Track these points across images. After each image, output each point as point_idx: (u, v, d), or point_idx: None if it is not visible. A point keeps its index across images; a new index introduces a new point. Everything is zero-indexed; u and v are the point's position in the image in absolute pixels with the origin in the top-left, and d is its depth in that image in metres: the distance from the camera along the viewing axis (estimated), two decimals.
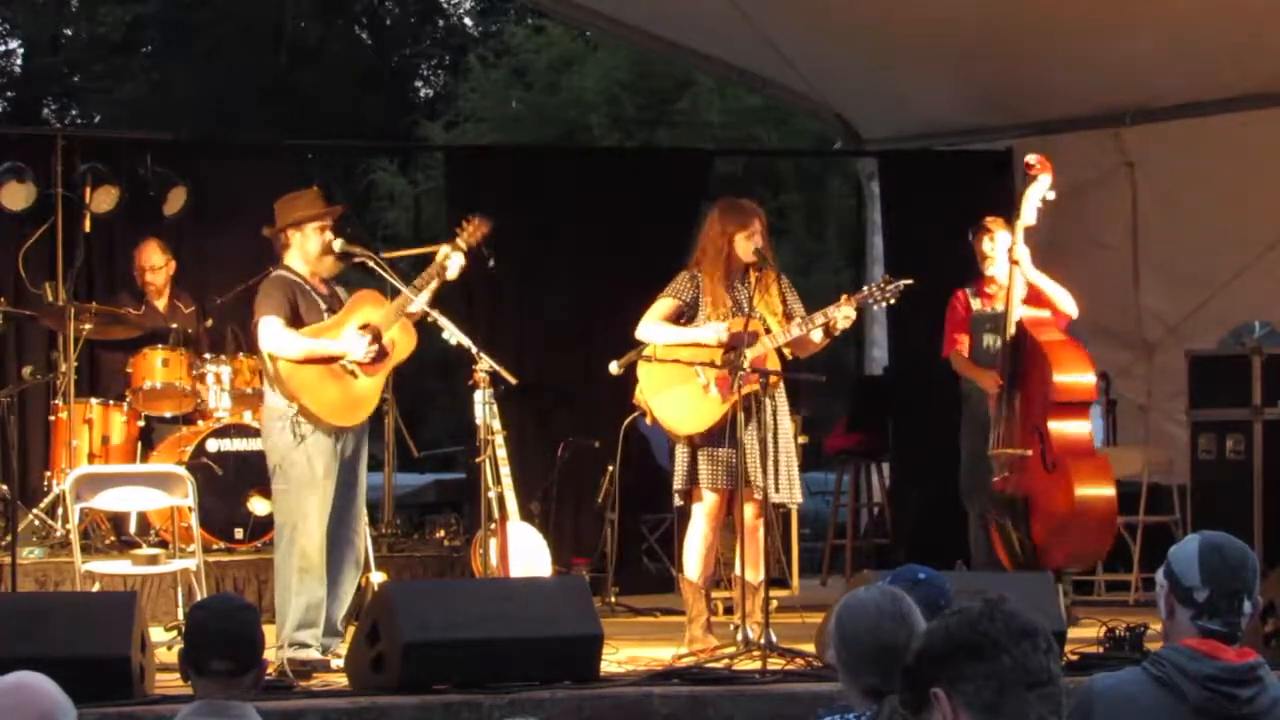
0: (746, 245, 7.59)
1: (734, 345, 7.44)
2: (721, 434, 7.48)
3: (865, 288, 7.71)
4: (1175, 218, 11.01)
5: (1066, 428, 8.24)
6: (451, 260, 7.36)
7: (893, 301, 7.66)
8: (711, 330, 7.52)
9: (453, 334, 7.36)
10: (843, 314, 7.48)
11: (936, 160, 12.13)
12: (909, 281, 7.62)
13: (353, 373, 7.19)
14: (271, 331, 7.14)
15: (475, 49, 23.24)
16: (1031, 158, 8.48)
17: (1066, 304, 8.46)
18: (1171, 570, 3.72)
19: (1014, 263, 8.35)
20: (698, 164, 12.71)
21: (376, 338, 7.22)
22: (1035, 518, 8.18)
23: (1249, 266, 10.67)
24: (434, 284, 7.37)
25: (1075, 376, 8.28)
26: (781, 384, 7.57)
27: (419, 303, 7.31)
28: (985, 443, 8.42)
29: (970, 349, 8.67)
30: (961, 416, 8.79)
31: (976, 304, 8.71)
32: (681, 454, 7.61)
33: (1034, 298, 8.43)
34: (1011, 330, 8.30)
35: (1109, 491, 8.28)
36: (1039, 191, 8.36)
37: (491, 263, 7.65)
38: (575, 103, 20.74)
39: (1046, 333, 8.36)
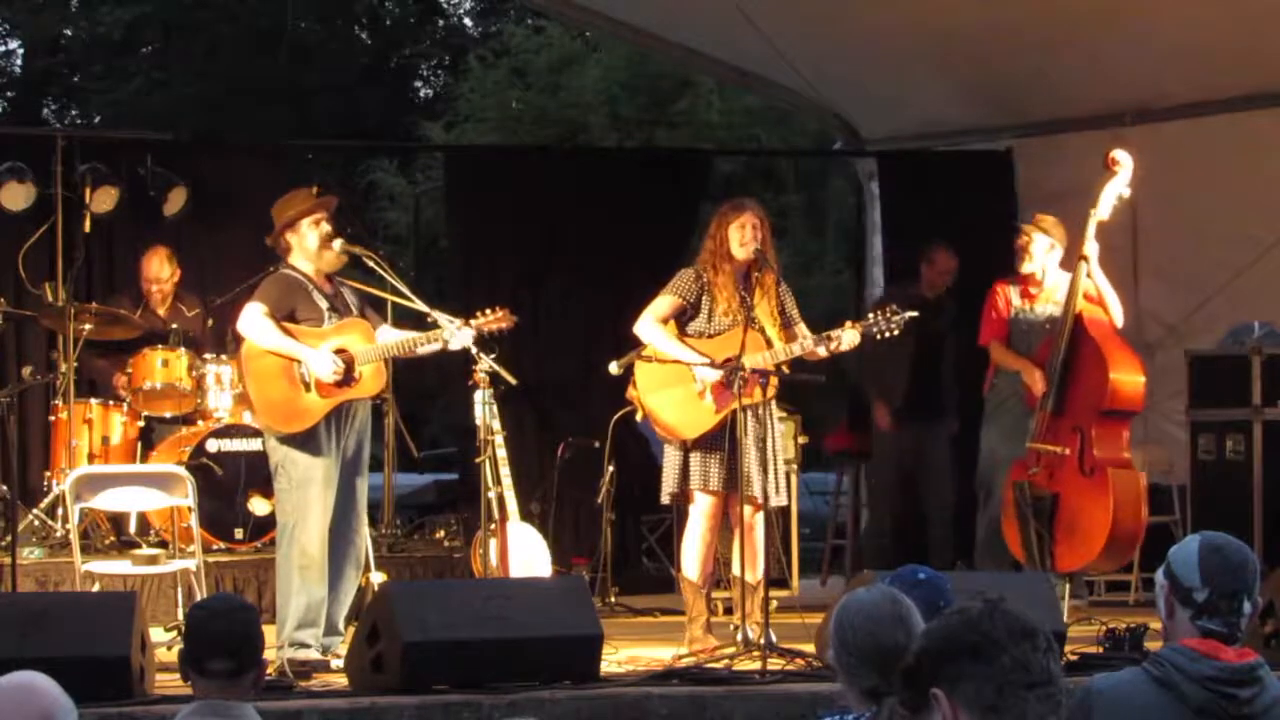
0: (738, 235, 7.56)
1: (728, 373, 7.39)
2: (714, 437, 7.46)
3: (870, 315, 7.66)
4: (1175, 218, 11.00)
5: (1110, 434, 8.18)
6: (459, 336, 7.35)
7: (896, 332, 7.63)
8: (706, 371, 7.47)
9: (452, 334, 7.36)
10: (846, 338, 7.47)
11: (936, 160, 12.12)
12: (914, 314, 7.60)
13: (307, 385, 7.18)
14: (252, 314, 7.21)
15: (475, 49, 23.23)
16: (1118, 153, 8.35)
17: (1116, 313, 8.38)
18: (1171, 570, 3.72)
19: (1083, 258, 8.27)
20: (698, 164, 12.72)
21: (348, 365, 7.21)
22: (1061, 517, 8.15)
23: (1249, 266, 10.66)
24: (428, 349, 7.38)
25: (1130, 384, 8.22)
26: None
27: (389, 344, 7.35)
28: (1007, 440, 8.38)
29: (1009, 338, 8.61)
30: (985, 411, 8.74)
31: (1017, 300, 8.66)
32: (674, 456, 7.59)
33: (1088, 296, 8.36)
34: (1070, 324, 8.23)
35: (1141, 504, 8.25)
36: (1117, 187, 8.27)
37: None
38: (575, 103, 20.74)
39: (1105, 333, 8.27)
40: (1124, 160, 8.32)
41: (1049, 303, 8.49)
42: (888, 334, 7.63)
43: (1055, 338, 8.27)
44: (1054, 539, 8.10)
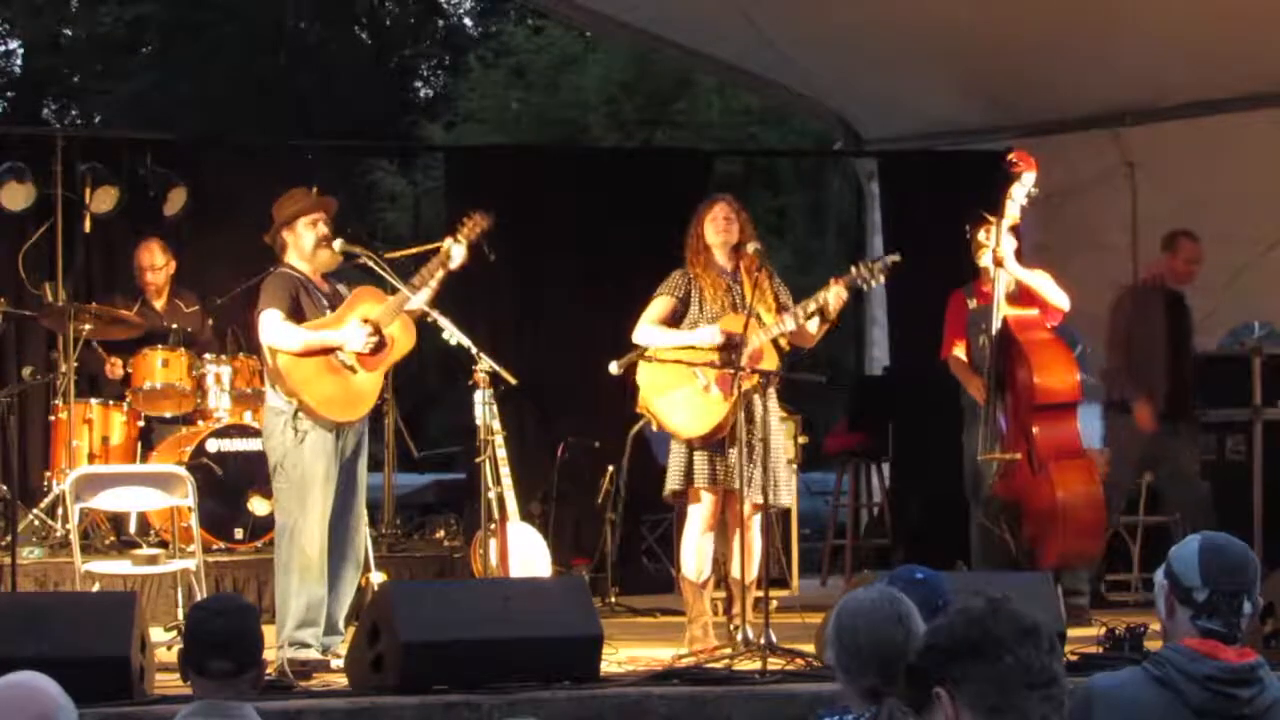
0: (712, 227, 7.63)
1: (730, 344, 7.44)
2: (721, 437, 7.47)
3: (853, 268, 7.67)
4: (1175, 218, 10.99)
5: (1050, 429, 8.21)
6: (454, 252, 7.40)
7: (883, 279, 7.63)
8: (707, 333, 7.50)
9: (452, 334, 7.36)
10: (833, 294, 7.45)
11: (936, 160, 12.12)
12: (896, 258, 7.60)
13: (351, 368, 7.20)
14: (272, 324, 7.17)
15: (475, 49, 23.25)
16: (1014, 155, 8.45)
17: (1056, 297, 8.38)
18: (1172, 570, 3.72)
19: (998, 262, 8.30)
20: (698, 164, 12.71)
21: (376, 330, 7.24)
22: (1026, 520, 8.17)
23: (1249, 266, 10.66)
24: (437, 277, 7.40)
25: (1056, 377, 8.24)
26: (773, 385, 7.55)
27: (419, 299, 7.35)
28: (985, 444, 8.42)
29: (968, 351, 8.66)
30: (964, 419, 8.78)
31: (973, 304, 8.68)
32: (680, 453, 7.59)
33: (1022, 296, 8.38)
34: (995, 330, 8.26)
35: (1093, 492, 8.26)
36: (1023, 189, 8.33)
37: (492, 257, 7.69)
38: (575, 103, 20.75)
39: (1030, 333, 8.29)
40: (1022, 162, 8.36)
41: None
42: (872, 284, 7.64)
43: (989, 348, 8.30)
44: (1029, 544, 8.12)
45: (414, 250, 7.54)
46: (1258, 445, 9.77)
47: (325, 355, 7.19)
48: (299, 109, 22.39)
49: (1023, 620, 2.87)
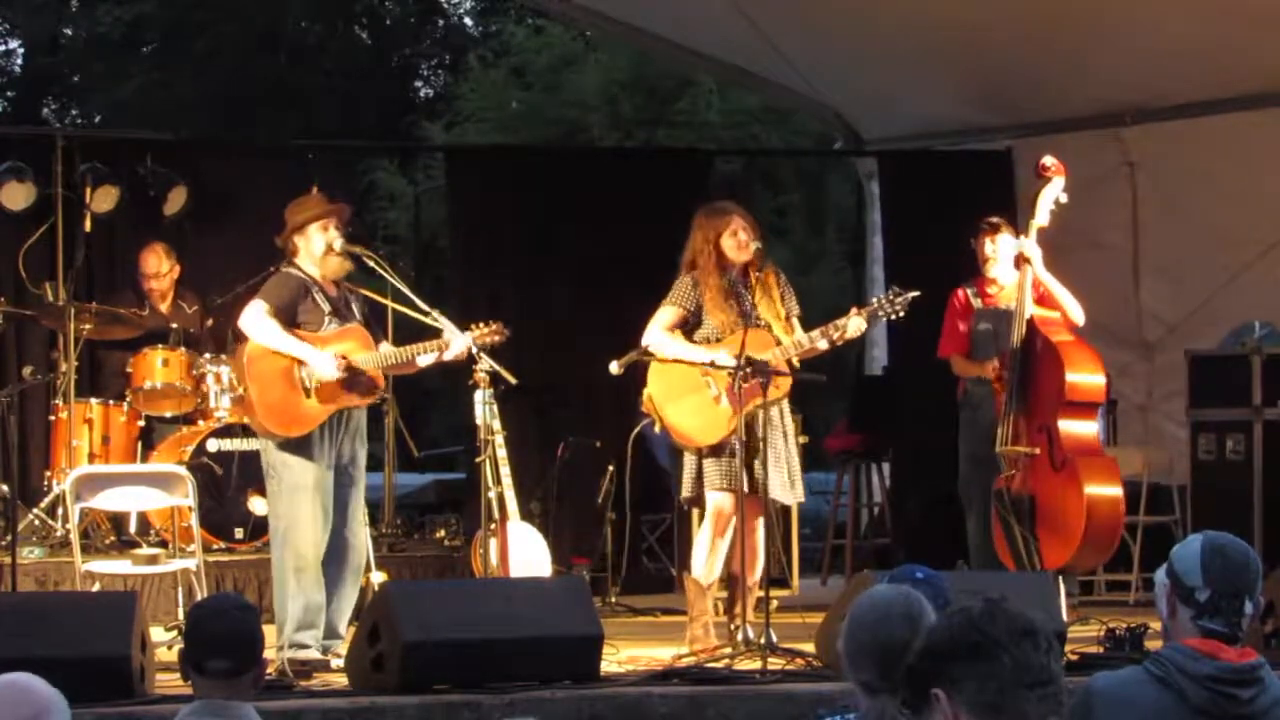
0: (732, 243, 7.58)
1: (736, 375, 7.40)
2: (728, 440, 7.47)
3: (875, 299, 7.71)
4: (1175, 218, 11.00)
5: (1076, 427, 8.22)
6: (456, 343, 7.34)
7: (902, 313, 7.65)
8: (723, 358, 7.46)
9: (453, 334, 7.36)
10: (853, 325, 7.48)
11: (936, 160, 12.12)
12: (917, 294, 7.61)
13: (308, 391, 7.17)
14: (255, 312, 7.19)
15: (475, 49, 23.23)
16: (1048, 160, 8.48)
17: (1075, 311, 8.43)
18: (1174, 570, 3.72)
19: (1026, 262, 8.33)
20: (698, 164, 12.71)
21: (348, 368, 7.20)
22: (1040, 517, 8.17)
23: (1249, 266, 10.67)
24: (427, 357, 7.36)
25: (1087, 376, 8.27)
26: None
27: (396, 361, 7.35)
28: (985, 444, 8.41)
29: (969, 344, 8.66)
30: (960, 417, 8.78)
31: (978, 303, 8.69)
32: (690, 461, 7.58)
33: (1043, 299, 8.42)
34: (1023, 329, 8.28)
35: (1117, 493, 8.27)
36: (1053, 193, 8.37)
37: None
38: (575, 103, 20.73)
39: (1058, 332, 8.34)
40: (1055, 166, 8.40)
41: (1011, 301, 8.52)
42: (893, 317, 7.66)
43: (1010, 346, 8.30)
44: (1038, 540, 8.11)
45: (418, 313, 7.48)
46: (1258, 445, 9.77)
47: (289, 365, 7.18)
48: (299, 109, 22.37)
49: (1020, 620, 2.87)
